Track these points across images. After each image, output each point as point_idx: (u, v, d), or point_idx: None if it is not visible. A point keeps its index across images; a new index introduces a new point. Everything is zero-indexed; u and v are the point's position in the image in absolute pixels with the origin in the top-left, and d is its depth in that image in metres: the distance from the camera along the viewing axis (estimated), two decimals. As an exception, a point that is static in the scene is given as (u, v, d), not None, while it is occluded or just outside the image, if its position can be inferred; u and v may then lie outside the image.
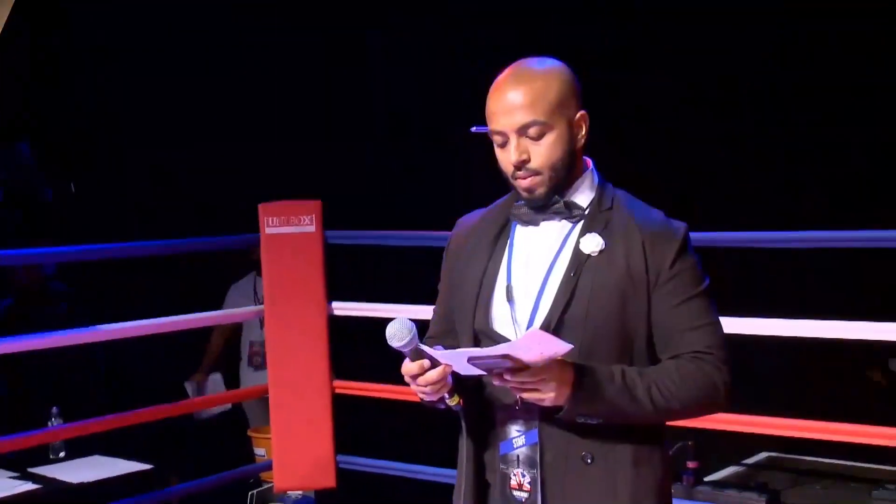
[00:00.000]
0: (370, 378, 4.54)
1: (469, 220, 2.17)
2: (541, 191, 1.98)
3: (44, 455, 4.43)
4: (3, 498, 4.08)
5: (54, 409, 4.36)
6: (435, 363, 1.87)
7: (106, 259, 4.38)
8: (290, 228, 4.33)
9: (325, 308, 4.37)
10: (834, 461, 4.14)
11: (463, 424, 2.04)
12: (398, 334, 1.84)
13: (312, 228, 4.32)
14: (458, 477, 2.08)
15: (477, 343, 2.03)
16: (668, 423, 2.05)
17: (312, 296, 4.35)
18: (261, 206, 4.35)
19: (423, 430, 4.69)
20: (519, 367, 1.82)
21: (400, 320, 1.86)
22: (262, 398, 4.80)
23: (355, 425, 4.62)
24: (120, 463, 4.46)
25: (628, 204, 2.03)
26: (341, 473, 4.41)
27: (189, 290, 5.33)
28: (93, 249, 4.31)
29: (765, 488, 3.81)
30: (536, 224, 2.02)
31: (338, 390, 4.42)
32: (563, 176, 1.99)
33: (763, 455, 4.47)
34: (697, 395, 1.94)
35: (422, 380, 1.87)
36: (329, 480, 4.36)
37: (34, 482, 4.23)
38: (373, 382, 4.53)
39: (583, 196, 2.02)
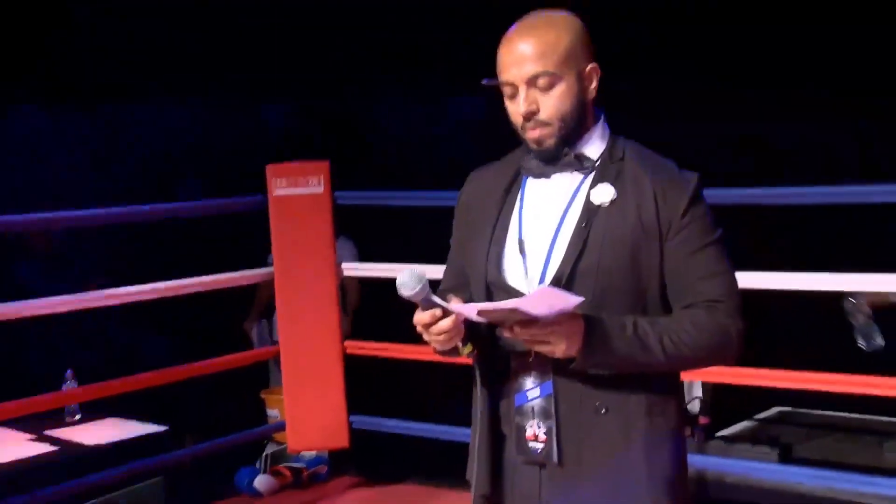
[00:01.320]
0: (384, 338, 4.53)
1: (480, 174, 2.14)
2: (550, 142, 1.95)
3: (59, 417, 4.43)
4: (21, 459, 4.09)
5: (68, 372, 4.34)
6: (447, 312, 1.84)
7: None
8: (298, 190, 4.27)
9: (334, 269, 4.31)
10: (845, 415, 4.18)
11: (477, 376, 2.02)
12: (409, 283, 1.82)
13: (321, 189, 4.27)
14: (472, 429, 2.06)
15: (490, 295, 2.00)
16: (682, 372, 2.04)
17: (322, 257, 4.28)
18: (268, 168, 4.29)
19: (437, 390, 4.74)
20: (529, 321, 1.81)
21: (410, 270, 1.84)
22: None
23: (369, 386, 4.58)
24: (135, 425, 4.48)
25: (640, 154, 1.99)
26: (355, 433, 4.38)
27: (197, 254, 5.32)
28: (101, 214, 4.24)
29: (776, 442, 3.84)
30: (548, 176, 1.99)
31: (349, 351, 4.38)
32: (573, 128, 1.96)
33: (775, 410, 4.47)
34: (710, 344, 1.92)
35: (434, 329, 1.85)
36: (342, 440, 4.35)
37: (51, 444, 4.25)
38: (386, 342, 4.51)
39: (593, 148, 1.99)
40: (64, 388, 4.34)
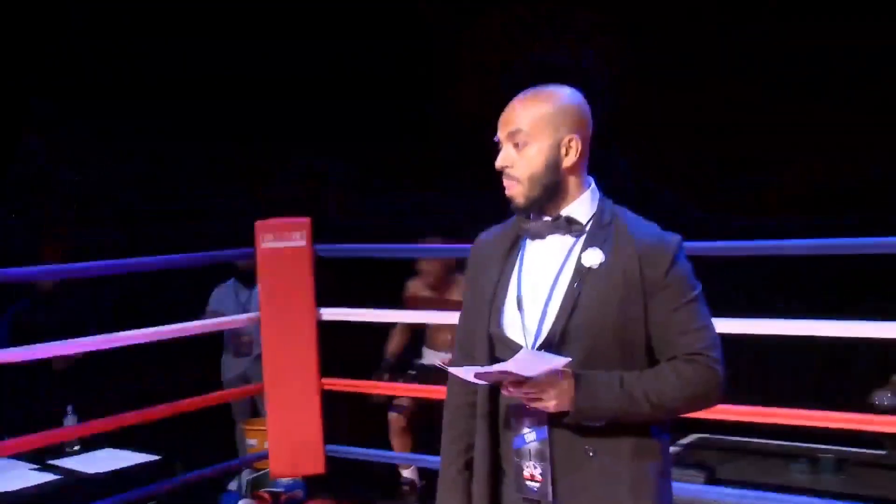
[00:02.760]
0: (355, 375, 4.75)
1: (485, 237, 2.19)
2: (520, 200, 2.00)
3: (60, 448, 4.51)
4: (29, 487, 4.16)
5: (69, 408, 4.45)
6: None
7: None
8: (282, 243, 4.45)
9: (314, 314, 4.49)
10: (754, 440, 4.44)
11: (479, 422, 2.07)
12: None
13: (303, 243, 4.44)
14: (475, 469, 2.09)
15: (492, 347, 2.05)
16: (668, 418, 2.03)
17: (303, 303, 4.46)
18: (257, 224, 4.47)
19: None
20: (520, 381, 1.87)
21: None
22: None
23: (342, 418, 4.74)
24: (129, 454, 4.55)
25: (626, 219, 2.03)
26: (329, 460, 4.51)
27: (175, 295, 5.47)
28: (100, 266, 4.30)
29: (702, 465, 4.07)
30: (543, 238, 2.03)
31: (325, 387, 4.54)
32: (543, 190, 1.99)
33: (693, 436, 4.82)
34: (692, 394, 1.96)
35: None
36: (319, 467, 4.49)
37: (54, 473, 4.32)
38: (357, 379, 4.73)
39: (582, 211, 2.02)
40: (65, 422, 4.44)
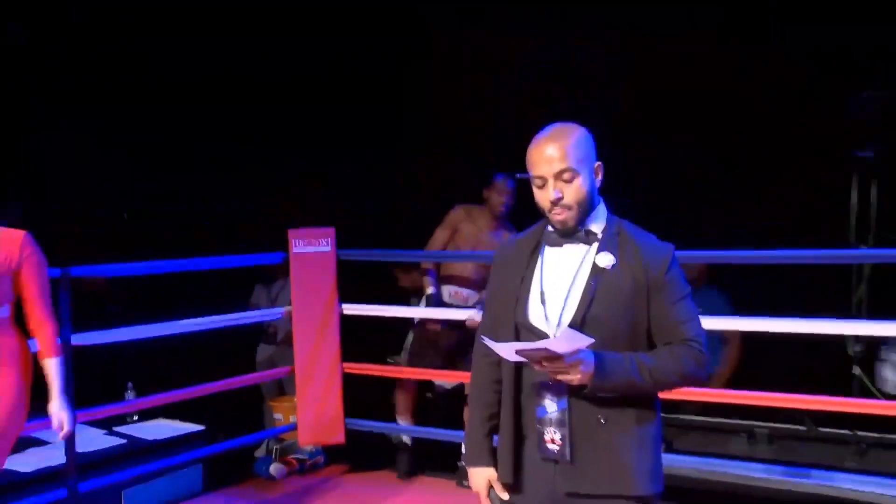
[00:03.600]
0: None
1: (509, 243, 2.46)
2: (571, 223, 2.25)
3: (122, 418, 5.07)
4: (101, 449, 4.70)
5: (129, 384, 5.02)
6: None
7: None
8: (311, 248, 5.03)
9: (337, 308, 5.05)
10: (704, 418, 4.94)
11: (506, 395, 2.31)
12: None
13: (328, 248, 5.02)
14: (500, 435, 2.34)
15: (517, 334, 2.26)
16: (664, 392, 2.28)
17: (328, 299, 5.03)
18: (290, 232, 5.02)
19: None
20: (554, 357, 2.08)
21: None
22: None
23: (361, 396, 5.22)
24: (179, 425, 5.13)
25: (631, 230, 2.29)
26: (348, 432, 5.06)
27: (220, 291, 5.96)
28: (157, 264, 4.84)
29: (663, 439, 4.68)
30: (561, 246, 2.28)
31: (346, 370, 5.09)
32: (587, 210, 2.26)
33: None
34: (686, 372, 2.20)
35: None
36: (339, 437, 5.05)
37: (119, 438, 4.88)
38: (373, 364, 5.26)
39: (597, 225, 2.28)
40: (126, 396, 5.01)
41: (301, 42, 6.92)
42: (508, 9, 6.49)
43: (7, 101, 6.49)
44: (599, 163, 2.29)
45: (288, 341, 5.36)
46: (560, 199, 2.23)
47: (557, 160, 2.22)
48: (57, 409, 3.23)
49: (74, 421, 3.27)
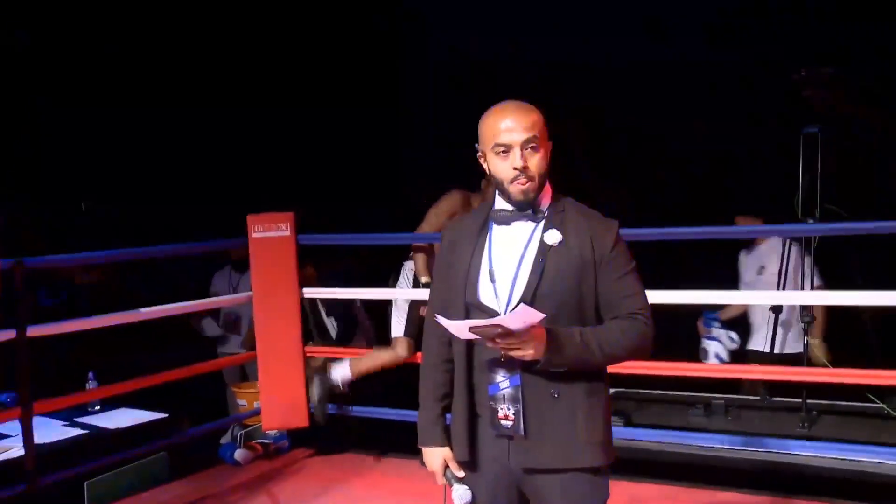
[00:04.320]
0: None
1: (456, 222, 2.49)
2: (531, 195, 2.23)
3: (83, 407, 4.99)
4: (62, 440, 4.60)
5: (90, 374, 4.90)
6: None
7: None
8: (270, 233, 4.95)
9: (297, 293, 5.00)
10: (660, 391, 5.05)
11: (458, 374, 2.32)
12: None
13: (288, 233, 4.95)
14: (454, 413, 2.34)
15: (467, 313, 2.26)
16: (612, 365, 2.30)
17: (288, 284, 4.97)
18: (249, 217, 4.94)
19: (372, 381, 5.27)
20: (507, 333, 2.08)
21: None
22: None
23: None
24: (142, 413, 5.03)
25: (576, 207, 2.30)
26: (311, 416, 5.01)
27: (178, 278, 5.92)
28: (115, 252, 4.84)
29: (621, 413, 4.63)
30: (509, 224, 2.27)
31: (308, 353, 5.06)
32: (543, 185, 2.25)
33: (613, 390, 5.41)
34: (633, 345, 2.22)
35: None
36: (303, 421, 5.01)
37: (81, 428, 4.78)
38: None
39: (544, 202, 2.28)
40: (87, 386, 4.89)
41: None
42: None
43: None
44: (550, 143, 2.29)
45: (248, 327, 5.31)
46: (526, 167, 2.21)
47: (526, 129, 2.21)
48: None
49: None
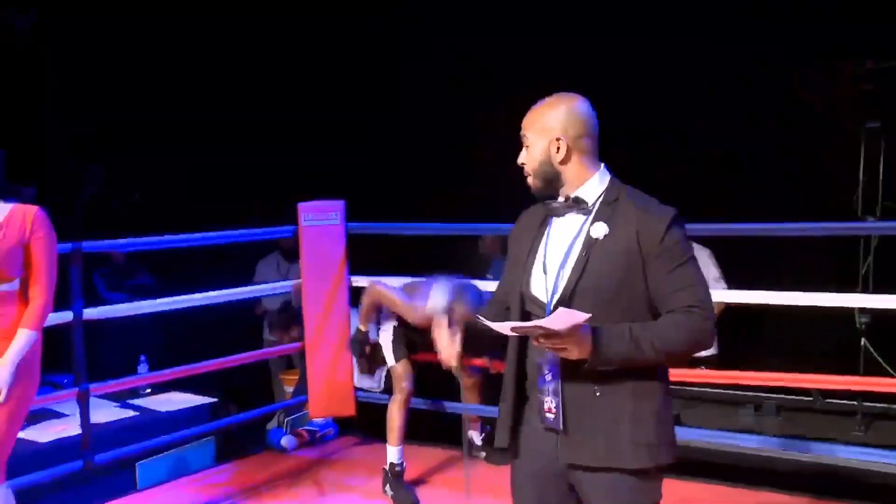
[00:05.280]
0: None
1: (524, 214, 2.42)
2: (533, 188, 2.28)
3: (134, 391, 5.08)
4: (115, 421, 4.74)
5: (142, 358, 5.01)
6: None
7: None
8: (321, 222, 4.95)
9: (346, 281, 4.97)
10: (710, 390, 4.90)
11: (510, 366, 2.32)
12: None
13: (338, 221, 4.94)
14: (501, 400, 2.33)
15: (523, 303, 2.26)
16: (669, 362, 2.20)
17: (337, 272, 4.95)
18: (299, 205, 4.92)
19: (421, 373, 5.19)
20: (550, 333, 2.04)
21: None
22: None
23: None
24: (191, 397, 5.14)
25: (630, 196, 2.22)
26: (358, 404, 5.00)
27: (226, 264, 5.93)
28: (169, 239, 4.74)
29: (669, 412, 4.68)
30: (562, 216, 2.26)
31: None
32: (546, 179, 2.24)
33: None
34: (689, 340, 2.13)
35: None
36: (350, 410, 4.99)
37: (133, 410, 4.91)
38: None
39: (590, 192, 2.23)
40: (138, 370, 5.04)
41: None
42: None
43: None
44: (560, 137, 2.22)
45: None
46: (522, 163, 2.28)
47: (523, 125, 2.28)
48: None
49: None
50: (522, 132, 2.27)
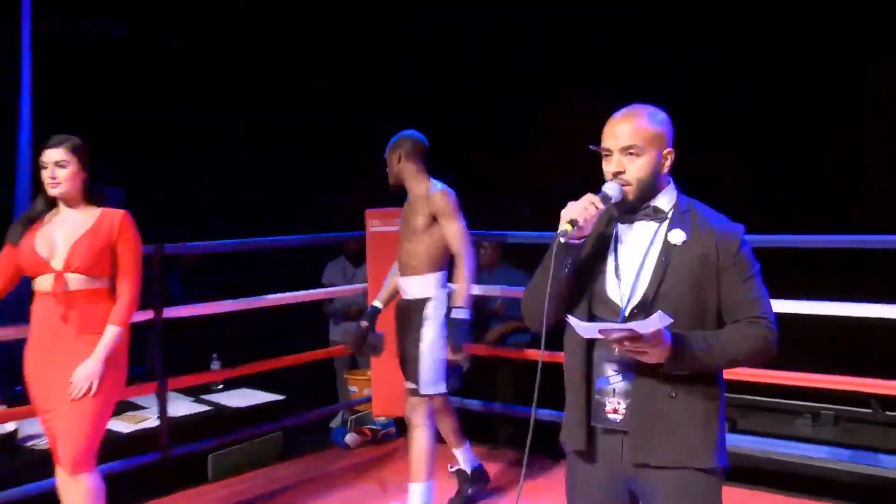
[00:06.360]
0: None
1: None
2: (629, 198, 2.24)
3: (207, 386, 5.23)
4: (190, 414, 4.88)
5: (214, 355, 5.15)
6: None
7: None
8: (386, 228, 5.03)
9: None
10: (767, 399, 4.90)
11: (573, 368, 2.28)
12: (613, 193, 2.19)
13: None
14: (567, 407, 2.31)
15: (591, 305, 2.25)
16: (733, 369, 2.29)
17: None
18: (367, 212, 5.05)
19: (484, 375, 5.42)
20: (636, 337, 2.06)
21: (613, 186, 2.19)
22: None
23: None
24: (261, 394, 5.27)
25: (700, 209, 2.28)
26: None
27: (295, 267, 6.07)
28: (244, 241, 5.02)
29: (727, 418, 4.67)
30: (631, 223, 2.27)
31: None
32: (647, 188, 2.23)
33: None
34: (754, 349, 2.18)
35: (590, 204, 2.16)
36: None
37: (206, 405, 5.05)
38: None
39: (665, 202, 2.26)
40: (211, 366, 5.16)
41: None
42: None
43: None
44: (670, 149, 2.26)
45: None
46: (619, 172, 2.23)
47: (625, 136, 2.22)
48: (88, 368, 3.14)
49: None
50: (627, 143, 2.22)
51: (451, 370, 3.98)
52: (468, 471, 4.31)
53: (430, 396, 3.94)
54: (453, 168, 4.79)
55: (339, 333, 6.12)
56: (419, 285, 3.99)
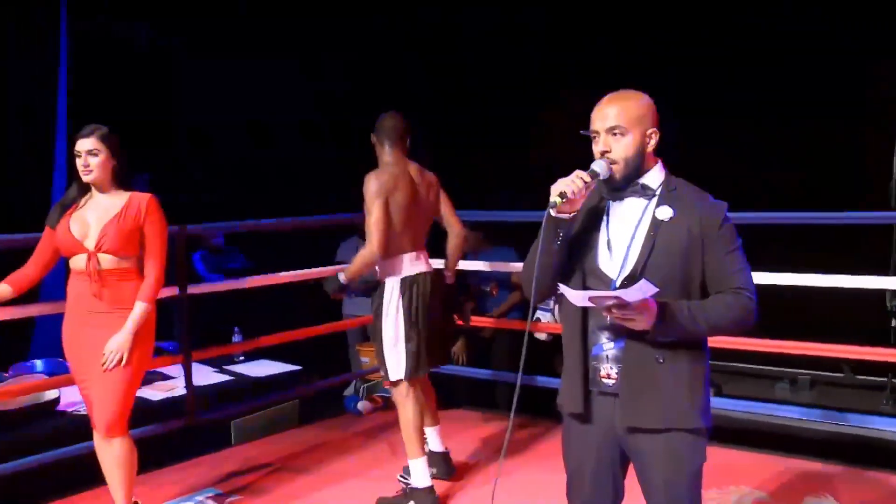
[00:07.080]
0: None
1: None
2: (616, 177, 2.29)
3: (229, 358, 5.44)
4: (213, 384, 5.05)
5: (236, 329, 5.36)
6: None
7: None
8: None
9: None
10: (749, 365, 5.08)
11: (573, 335, 2.33)
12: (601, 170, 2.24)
13: None
14: (565, 371, 2.37)
15: (584, 278, 2.31)
16: (716, 336, 2.32)
17: None
18: None
19: (481, 345, 5.55)
20: (623, 304, 2.14)
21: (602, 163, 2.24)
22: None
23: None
24: (279, 365, 5.44)
25: (686, 187, 2.33)
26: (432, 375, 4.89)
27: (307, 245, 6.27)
28: (264, 222, 5.10)
29: (713, 383, 4.71)
30: (622, 200, 2.34)
31: None
32: (633, 167, 2.28)
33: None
34: (737, 318, 2.24)
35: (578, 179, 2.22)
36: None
37: (228, 375, 5.24)
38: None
39: (653, 180, 2.32)
40: (233, 339, 5.35)
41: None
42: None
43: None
44: (654, 129, 2.32)
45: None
46: (606, 151, 2.29)
47: (610, 118, 2.29)
48: (118, 341, 3.29)
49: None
50: (613, 124, 2.28)
51: (408, 358, 3.99)
52: (438, 452, 4.32)
53: (395, 382, 4.01)
54: (453, 168, 5.00)
55: (352, 307, 6.33)
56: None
